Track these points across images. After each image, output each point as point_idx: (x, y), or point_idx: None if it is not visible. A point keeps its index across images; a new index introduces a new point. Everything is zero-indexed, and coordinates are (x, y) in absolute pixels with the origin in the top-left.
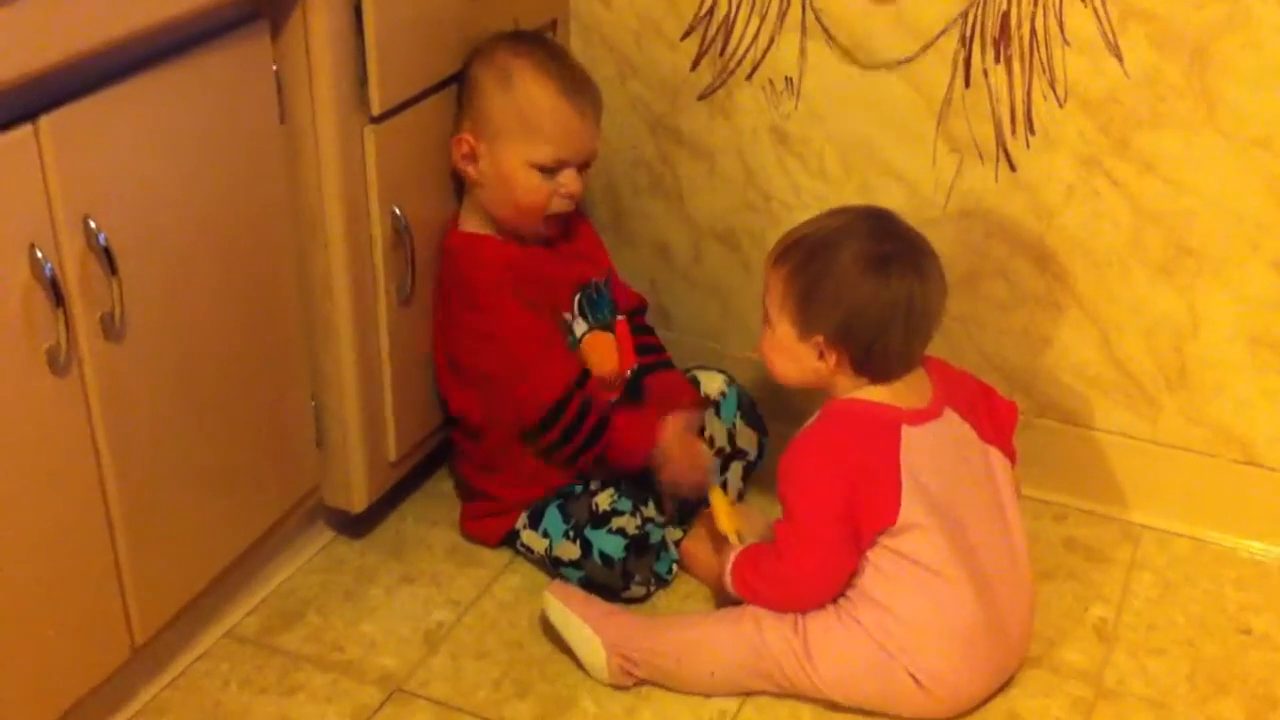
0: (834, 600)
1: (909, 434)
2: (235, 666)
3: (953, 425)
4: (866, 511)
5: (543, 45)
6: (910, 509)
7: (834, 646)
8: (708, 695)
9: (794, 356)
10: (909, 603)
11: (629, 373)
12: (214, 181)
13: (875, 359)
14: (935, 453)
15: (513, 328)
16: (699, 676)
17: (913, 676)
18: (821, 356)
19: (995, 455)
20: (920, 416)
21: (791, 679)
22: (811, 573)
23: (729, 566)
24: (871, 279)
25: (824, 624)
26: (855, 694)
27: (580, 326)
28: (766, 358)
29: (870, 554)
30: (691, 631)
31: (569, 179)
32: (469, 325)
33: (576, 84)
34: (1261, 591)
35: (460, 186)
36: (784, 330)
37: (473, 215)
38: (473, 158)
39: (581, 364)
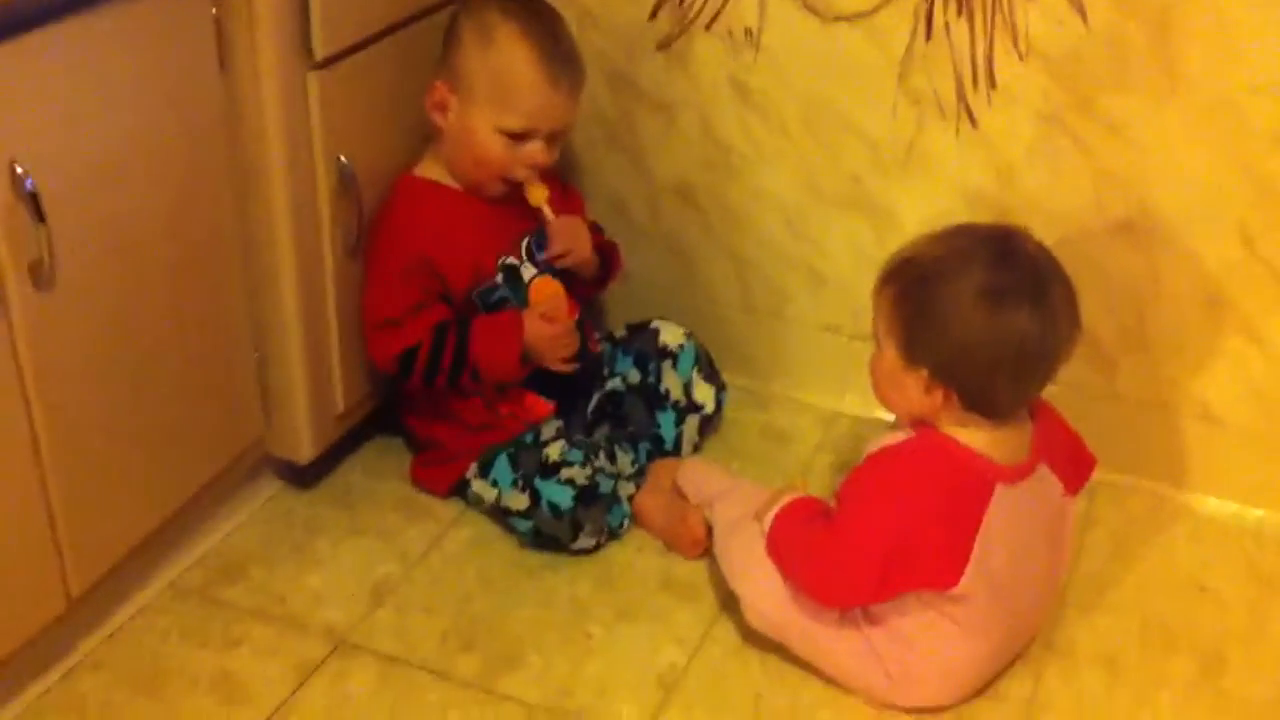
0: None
1: (1000, 495)
2: (176, 619)
3: (1043, 484)
4: (925, 567)
5: (533, 9)
6: (971, 580)
7: (829, 653)
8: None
9: (899, 385)
10: (930, 646)
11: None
12: (150, 129)
13: (983, 400)
14: (1017, 518)
15: (395, 275)
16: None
17: (889, 676)
18: (928, 391)
19: (1069, 508)
20: (1016, 474)
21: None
22: (837, 580)
23: (779, 507)
24: (982, 314)
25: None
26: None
27: (528, 271)
28: (874, 383)
29: (909, 599)
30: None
31: (535, 149)
32: (369, 264)
33: (558, 55)
34: (1216, 547)
35: (420, 133)
36: (890, 355)
37: (433, 162)
38: (443, 108)
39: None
